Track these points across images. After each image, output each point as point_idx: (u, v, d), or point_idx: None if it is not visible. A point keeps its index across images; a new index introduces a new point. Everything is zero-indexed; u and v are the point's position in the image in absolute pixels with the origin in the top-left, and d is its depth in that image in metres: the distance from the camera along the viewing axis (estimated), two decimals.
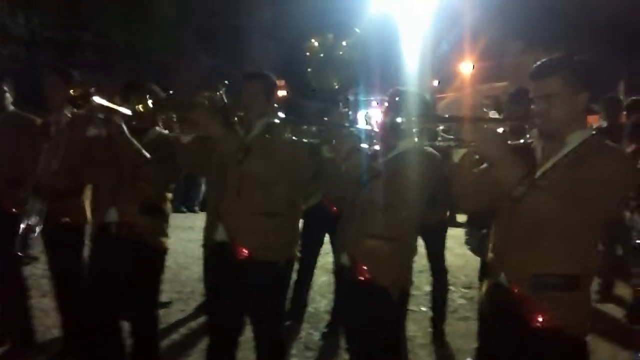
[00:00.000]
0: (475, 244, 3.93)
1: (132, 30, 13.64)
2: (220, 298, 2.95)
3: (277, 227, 2.85)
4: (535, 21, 15.92)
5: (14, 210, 3.82)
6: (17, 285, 4.05)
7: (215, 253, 2.96)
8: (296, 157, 2.84)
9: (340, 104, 4.74)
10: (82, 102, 3.00)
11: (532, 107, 2.21)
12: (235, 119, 2.92)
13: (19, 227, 3.72)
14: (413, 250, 2.76)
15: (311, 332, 4.61)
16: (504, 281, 2.21)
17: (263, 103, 2.94)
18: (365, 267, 2.61)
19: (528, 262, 2.11)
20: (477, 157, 2.17)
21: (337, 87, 4.33)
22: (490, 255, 2.34)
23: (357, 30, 4.66)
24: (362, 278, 2.61)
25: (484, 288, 2.38)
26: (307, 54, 4.19)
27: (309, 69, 4.18)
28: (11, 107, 3.99)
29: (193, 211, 11.05)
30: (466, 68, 21.55)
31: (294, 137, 2.85)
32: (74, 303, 3.68)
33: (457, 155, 2.26)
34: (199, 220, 9.57)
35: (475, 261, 4.40)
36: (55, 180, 3.61)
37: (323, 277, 5.81)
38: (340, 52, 4.41)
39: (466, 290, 5.66)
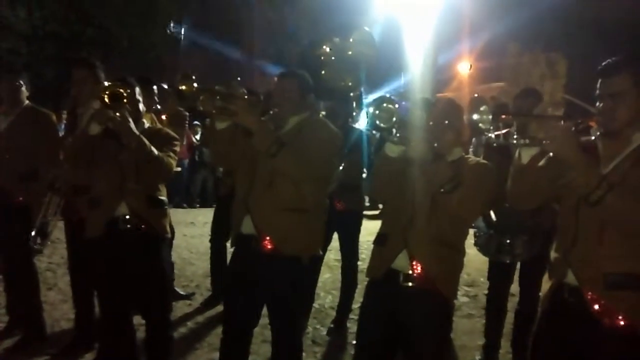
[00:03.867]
0: (484, 243, 3.98)
1: (134, 26, 13.62)
2: (240, 290, 2.96)
3: (305, 223, 2.88)
4: (533, 22, 16.01)
5: (27, 203, 3.86)
6: (29, 277, 4.08)
7: (240, 245, 2.99)
8: (327, 156, 2.87)
9: (354, 103, 4.82)
10: (113, 103, 3.00)
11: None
12: (269, 112, 2.96)
13: (33, 220, 3.77)
14: None
15: (318, 328, 4.67)
16: (571, 281, 2.15)
17: (297, 101, 2.96)
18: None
19: (598, 261, 2.06)
20: (550, 155, 2.11)
21: (349, 85, 4.42)
22: (554, 254, 2.28)
23: (366, 28, 4.73)
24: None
25: (545, 287, 2.29)
26: (322, 58, 4.28)
27: (323, 72, 4.27)
28: (27, 102, 4.02)
29: (193, 207, 11.10)
30: (464, 68, 21.60)
31: (326, 136, 2.90)
32: (90, 296, 3.73)
33: (525, 154, 2.20)
34: (200, 215, 9.68)
35: (477, 260, 4.45)
36: (73, 175, 3.64)
37: (327, 274, 5.87)
38: (350, 52, 4.49)
39: (469, 289, 5.72)
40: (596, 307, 2.06)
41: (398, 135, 2.52)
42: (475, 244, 4.01)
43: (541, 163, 2.22)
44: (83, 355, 3.91)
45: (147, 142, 3.12)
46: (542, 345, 2.31)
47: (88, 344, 3.93)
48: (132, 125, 3.07)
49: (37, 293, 4.16)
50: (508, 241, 3.82)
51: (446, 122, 2.62)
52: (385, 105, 2.52)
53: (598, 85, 2.14)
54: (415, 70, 8.21)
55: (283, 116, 2.97)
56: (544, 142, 2.08)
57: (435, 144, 2.53)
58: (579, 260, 2.13)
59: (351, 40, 4.40)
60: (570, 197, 2.16)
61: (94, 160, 3.25)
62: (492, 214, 3.90)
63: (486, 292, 4.25)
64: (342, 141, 3.04)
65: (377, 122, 2.52)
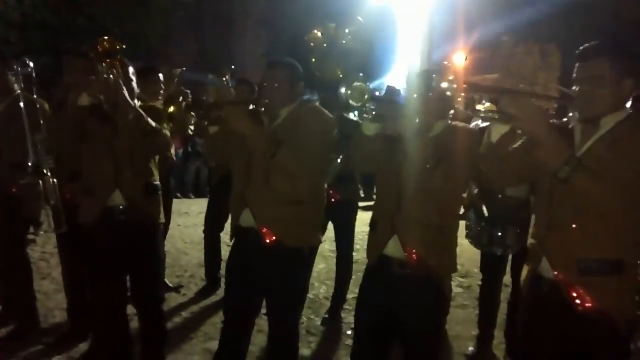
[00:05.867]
0: (475, 235, 4.00)
1: (125, 15, 13.51)
2: (240, 281, 2.96)
3: (304, 215, 2.87)
4: (528, 14, 16.01)
5: (21, 193, 3.83)
6: (23, 266, 4.06)
7: (240, 238, 2.98)
8: (323, 147, 2.86)
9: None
10: (106, 56, 2.94)
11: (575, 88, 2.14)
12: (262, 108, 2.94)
13: (26, 210, 3.75)
14: None
15: (312, 318, 4.69)
16: (546, 266, 2.19)
17: (288, 91, 2.92)
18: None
19: (571, 246, 2.08)
20: (519, 132, 2.11)
21: (340, 76, 4.38)
22: (530, 240, 2.31)
23: (360, 19, 4.71)
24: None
25: (524, 274, 2.34)
26: (311, 44, 4.23)
27: (313, 59, 4.22)
28: (18, 90, 3.97)
29: (187, 197, 11.10)
30: (459, 59, 21.57)
31: (320, 125, 2.87)
32: (82, 285, 3.72)
33: (496, 132, 2.21)
34: (194, 205, 9.67)
35: (470, 250, 4.47)
36: (67, 161, 3.62)
37: (321, 264, 5.90)
38: (344, 41, 4.46)
39: (462, 279, 5.76)
40: (570, 292, 2.09)
41: (373, 112, 2.48)
42: (467, 236, 4.03)
43: (516, 144, 2.22)
44: (77, 345, 3.91)
45: (143, 112, 3.09)
46: (525, 332, 2.35)
47: (82, 334, 3.92)
48: (126, 93, 3.02)
49: (30, 283, 4.15)
50: (499, 233, 3.84)
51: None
52: (355, 84, 2.47)
53: (575, 70, 2.15)
54: (410, 60, 8.21)
55: (275, 107, 2.93)
56: (513, 118, 2.06)
57: (417, 119, 2.44)
58: (553, 246, 2.16)
59: (346, 31, 4.36)
60: (544, 182, 2.18)
61: (83, 139, 3.21)
62: (483, 206, 3.92)
63: (480, 282, 4.27)
64: (336, 128, 3.01)
65: (350, 101, 2.47)
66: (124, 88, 3.02)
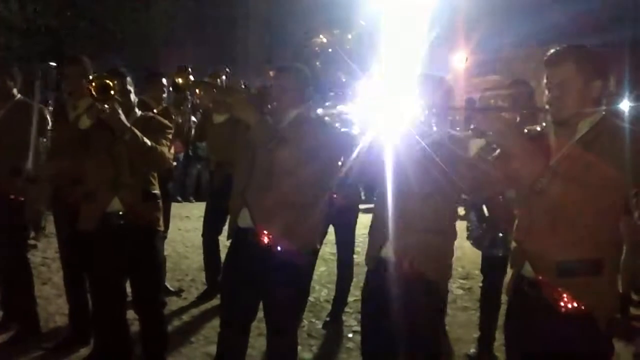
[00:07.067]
0: (477, 237, 3.99)
1: (127, 18, 13.54)
2: (237, 283, 2.94)
3: (304, 217, 2.85)
4: (529, 16, 16.02)
5: (19, 198, 3.84)
6: (23, 272, 4.07)
7: (237, 239, 2.97)
8: (326, 151, 2.84)
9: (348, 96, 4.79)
10: (101, 95, 2.98)
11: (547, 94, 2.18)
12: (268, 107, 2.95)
13: (27, 215, 3.75)
14: None
15: (313, 321, 4.68)
16: (528, 269, 2.22)
17: (295, 96, 2.92)
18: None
19: (551, 250, 2.11)
20: (494, 146, 2.17)
21: (344, 80, 4.39)
22: (513, 244, 2.35)
23: (363, 23, 4.72)
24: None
25: (508, 277, 2.37)
26: (317, 49, 4.25)
27: (317, 63, 4.23)
28: (18, 95, 3.98)
29: (188, 201, 11.10)
30: (459, 61, 21.54)
31: (325, 131, 2.88)
32: (84, 290, 3.72)
33: (474, 146, 2.26)
34: (195, 209, 9.66)
35: (472, 252, 4.47)
36: (68, 166, 3.62)
37: (322, 267, 5.89)
38: (348, 47, 4.48)
39: (464, 281, 5.74)
40: (553, 294, 2.12)
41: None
42: (469, 238, 4.02)
43: (495, 154, 2.26)
44: (78, 350, 3.90)
45: (139, 133, 3.11)
46: (510, 334, 2.39)
47: (83, 338, 3.92)
48: (123, 117, 3.06)
49: (31, 288, 4.15)
50: (501, 235, 3.83)
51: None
52: None
53: (545, 76, 2.19)
54: (410, 62, 8.21)
55: (282, 110, 2.93)
56: (488, 133, 2.12)
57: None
58: (534, 250, 2.19)
59: (349, 36, 4.38)
60: (523, 187, 2.20)
61: (85, 152, 3.23)
62: (484, 208, 3.92)
63: (481, 284, 4.26)
64: (345, 137, 3.01)
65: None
66: (120, 113, 3.05)
